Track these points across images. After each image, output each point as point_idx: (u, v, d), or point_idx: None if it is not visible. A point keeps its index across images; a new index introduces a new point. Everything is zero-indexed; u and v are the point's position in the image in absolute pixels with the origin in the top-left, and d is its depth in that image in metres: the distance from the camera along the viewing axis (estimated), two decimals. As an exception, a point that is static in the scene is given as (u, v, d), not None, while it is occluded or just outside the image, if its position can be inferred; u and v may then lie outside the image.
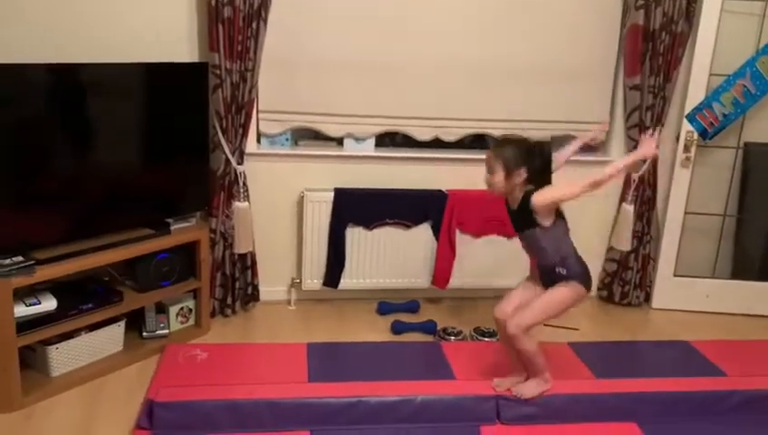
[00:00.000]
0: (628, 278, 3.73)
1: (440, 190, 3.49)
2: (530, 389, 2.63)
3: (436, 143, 3.56)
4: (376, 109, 3.41)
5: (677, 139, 3.58)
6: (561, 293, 2.53)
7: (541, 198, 2.43)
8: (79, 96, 2.72)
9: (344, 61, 3.34)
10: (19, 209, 2.61)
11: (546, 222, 2.48)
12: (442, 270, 3.51)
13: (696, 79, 3.47)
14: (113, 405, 2.61)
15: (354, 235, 3.43)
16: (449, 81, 3.45)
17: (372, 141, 3.51)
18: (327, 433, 2.46)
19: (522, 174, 2.46)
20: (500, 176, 2.48)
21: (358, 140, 3.48)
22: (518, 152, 2.47)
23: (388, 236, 3.47)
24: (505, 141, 2.72)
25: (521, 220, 2.53)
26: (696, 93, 3.48)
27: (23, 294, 2.59)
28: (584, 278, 2.55)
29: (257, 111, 3.31)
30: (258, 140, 3.39)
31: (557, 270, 2.53)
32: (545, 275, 2.58)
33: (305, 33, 3.27)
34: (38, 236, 2.65)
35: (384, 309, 3.51)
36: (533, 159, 2.46)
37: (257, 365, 2.88)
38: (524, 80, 3.51)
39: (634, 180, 3.58)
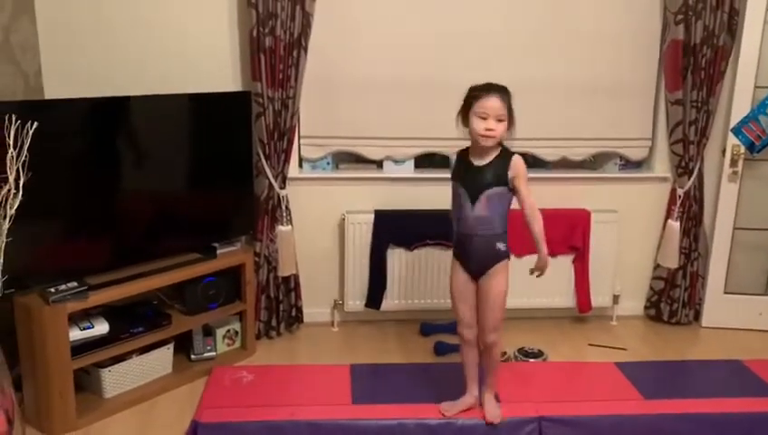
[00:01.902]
0: (676, 296, 3.65)
1: (481, 210, 3.49)
2: (497, 410, 2.57)
3: (476, 163, 3.57)
4: (414, 131, 3.45)
5: (723, 153, 3.52)
6: (502, 281, 2.46)
7: (522, 163, 2.37)
8: (128, 127, 2.83)
9: (382, 85, 3.39)
10: (73, 237, 2.72)
11: (514, 188, 2.38)
12: (484, 290, 3.49)
13: (741, 92, 3.41)
14: (164, 426, 2.67)
15: (395, 256, 3.46)
16: (487, 101, 3.46)
17: (411, 163, 3.55)
18: (371, 455, 2.47)
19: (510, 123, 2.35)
20: (505, 126, 2.35)
21: (397, 162, 3.52)
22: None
23: (429, 257, 3.48)
24: (501, 86, 2.41)
25: (491, 176, 2.37)
26: (741, 106, 3.41)
27: (77, 319, 2.69)
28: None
29: (299, 137, 3.38)
30: (300, 165, 3.47)
31: (497, 246, 2.41)
32: (481, 252, 2.42)
33: (344, 59, 3.35)
34: (91, 262, 2.76)
35: (427, 330, 3.51)
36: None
37: (302, 387, 2.91)
38: (565, 98, 3.50)
39: (679, 196, 3.52)
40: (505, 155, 2.40)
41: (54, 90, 3.08)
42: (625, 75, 3.51)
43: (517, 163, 2.38)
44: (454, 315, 2.59)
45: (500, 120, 2.33)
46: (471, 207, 2.39)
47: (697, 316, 3.70)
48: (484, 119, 2.33)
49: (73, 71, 3.11)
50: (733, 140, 3.45)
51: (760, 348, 3.41)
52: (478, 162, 2.40)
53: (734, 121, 3.44)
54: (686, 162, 3.50)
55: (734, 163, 3.48)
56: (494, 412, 2.56)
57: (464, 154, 2.46)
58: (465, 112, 2.39)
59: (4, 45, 2.79)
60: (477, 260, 2.45)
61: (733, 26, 3.34)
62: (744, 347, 3.41)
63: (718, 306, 3.64)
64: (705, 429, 2.60)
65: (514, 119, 2.37)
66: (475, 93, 2.37)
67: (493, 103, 2.33)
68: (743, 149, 3.45)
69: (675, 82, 3.41)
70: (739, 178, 3.50)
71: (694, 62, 3.35)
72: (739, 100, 3.42)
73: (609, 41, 3.48)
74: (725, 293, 3.63)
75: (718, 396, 2.80)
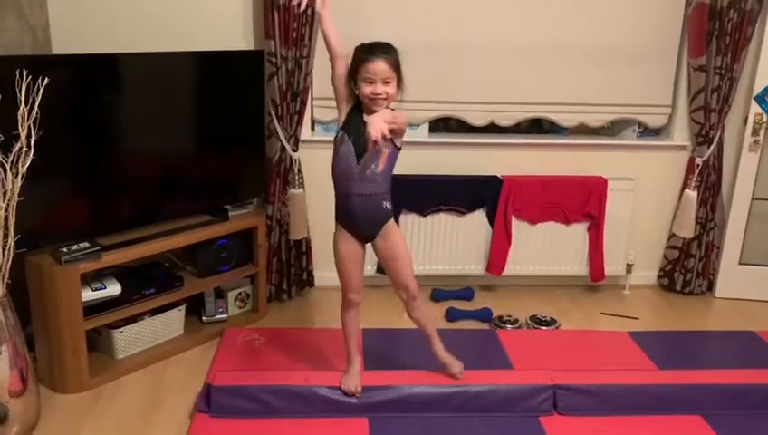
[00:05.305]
0: (690, 266, 3.62)
1: (495, 176, 3.44)
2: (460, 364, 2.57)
3: (492, 128, 3.50)
4: (430, 94, 3.37)
5: (745, 121, 3.44)
6: (399, 233, 2.43)
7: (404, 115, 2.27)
8: (139, 85, 2.76)
9: (398, 45, 3.28)
10: (85, 197, 2.69)
11: (399, 143, 2.32)
12: (497, 257, 3.47)
13: (767, 59, 3.31)
14: (176, 387, 2.67)
15: (408, 221, 3.42)
16: (505, 64, 3.38)
17: (426, 127, 3.48)
18: (384, 421, 2.46)
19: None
20: (394, 86, 2.26)
21: (411, 125, 3.44)
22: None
23: (442, 223, 3.45)
24: (388, 46, 2.31)
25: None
26: (766, 74, 3.33)
27: (89, 279, 2.67)
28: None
29: (312, 98, 3.31)
30: (312, 127, 3.41)
31: (384, 205, 2.35)
32: (369, 213, 2.35)
33: (359, 18, 3.24)
34: (103, 222, 2.73)
35: (438, 296, 3.50)
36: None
37: (314, 351, 2.90)
38: (584, 62, 3.42)
39: (698, 165, 3.46)
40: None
41: (62, 45, 3.01)
42: (647, 40, 3.42)
43: (402, 116, 2.29)
44: (341, 283, 2.50)
45: (387, 83, 2.26)
46: (356, 164, 2.29)
47: (711, 287, 3.67)
48: (372, 83, 2.25)
49: (81, 26, 3.03)
50: (756, 108, 3.37)
51: (774, 319, 3.40)
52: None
53: (758, 89, 3.35)
54: (706, 130, 3.42)
55: (755, 132, 3.41)
56: (458, 367, 2.57)
57: (358, 108, 2.33)
58: (354, 74, 2.30)
59: (12, -2, 2.71)
60: (366, 221, 2.38)
61: (761, -10, 3.24)
62: (758, 318, 3.39)
63: (733, 277, 3.61)
64: (719, 399, 2.58)
65: (403, 78, 2.29)
66: (361, 57, 2.28)
67: (377, 67, 2.23)
68: (765, 118, 3.37)
69: (698, 48, 3.32)
70: (760, 147, 3.43)
71: (719, 27, 3.26)
72: (764, 67, 3.33)
73: (631, 4, 3.37)
74: (740, 263, 3.60)
75: (731, 367, 2.78)
